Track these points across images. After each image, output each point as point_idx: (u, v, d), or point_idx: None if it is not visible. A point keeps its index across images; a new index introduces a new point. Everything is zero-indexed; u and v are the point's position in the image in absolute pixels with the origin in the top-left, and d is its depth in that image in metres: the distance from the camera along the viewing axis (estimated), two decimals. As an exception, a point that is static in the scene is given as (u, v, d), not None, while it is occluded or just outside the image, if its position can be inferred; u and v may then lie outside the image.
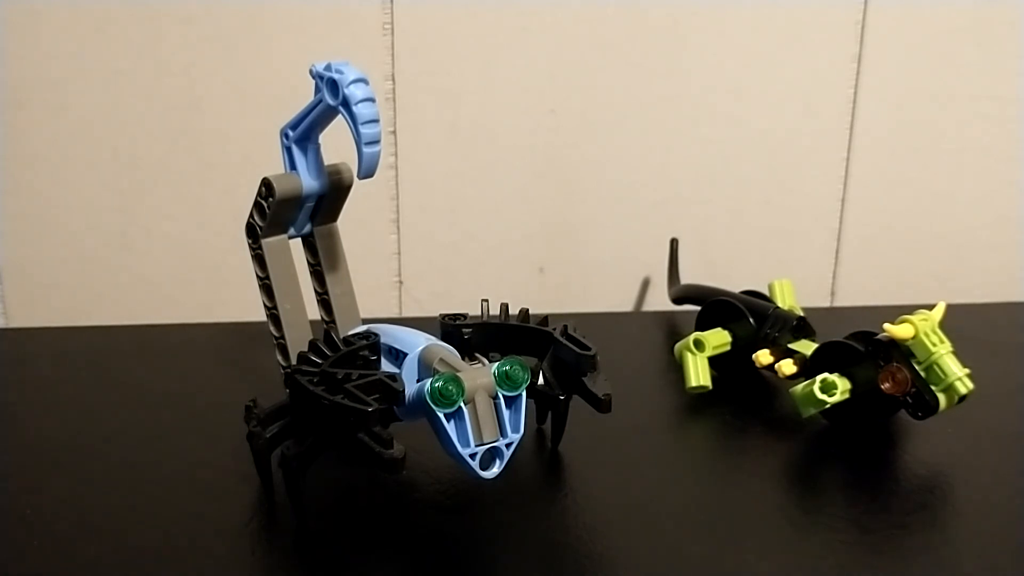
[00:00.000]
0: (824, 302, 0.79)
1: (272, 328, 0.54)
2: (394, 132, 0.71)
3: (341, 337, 0.49)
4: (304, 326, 0.54)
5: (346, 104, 0.48)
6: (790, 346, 0.57)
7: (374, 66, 0.69)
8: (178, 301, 0.73)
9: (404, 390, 0.43)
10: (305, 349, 0.48)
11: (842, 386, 0.53)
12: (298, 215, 0.54)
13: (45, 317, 0.72)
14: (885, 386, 0.52)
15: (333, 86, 0.49)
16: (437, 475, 0.49)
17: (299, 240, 0.55)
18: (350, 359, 0.48)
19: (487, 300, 0.52)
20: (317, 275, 0.56)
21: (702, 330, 0.60)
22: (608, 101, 0.72)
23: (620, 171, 0.74)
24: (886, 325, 0.52)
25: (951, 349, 0.51)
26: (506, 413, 0.42)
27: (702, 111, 0.73)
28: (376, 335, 0.49)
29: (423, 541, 0.45)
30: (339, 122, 0.50)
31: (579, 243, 0.75)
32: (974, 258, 0.78)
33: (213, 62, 0.68)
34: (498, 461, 0.42)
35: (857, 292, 0.78)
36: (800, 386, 0.54)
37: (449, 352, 0.46)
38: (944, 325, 0.52)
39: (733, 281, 0.67)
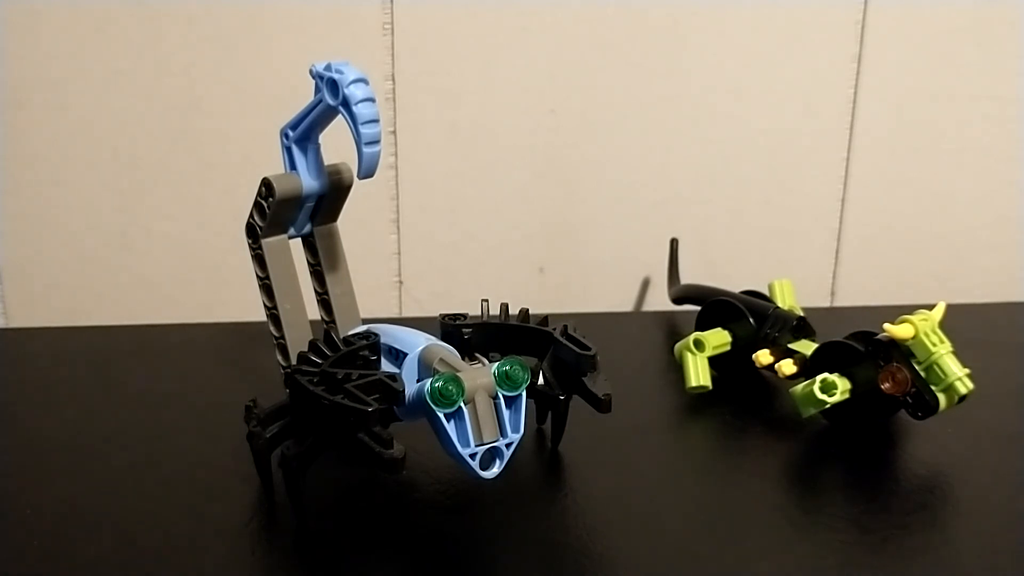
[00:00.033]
0: (824, 302, 0.79)
1: (272, 328, 0.54)
2: (394, 132, 0.71)
3: (341, 337, 0.49)
4: (304, 326, 0.54)
5: (346, 104, 0.48)
6: (790, 346, 0.57)
7: (374, 66, 0.69)
8: (178, 301, 0.73)
9: (404, 390, 0.43)
10: (305, 349, 0.48)
11: (842, 386, 0.53)
12: (298, 215, 0.54)
13: (45, 317, 0.72)
14: (885, 386, 0.52)
15: (333, 86, 0.49)
16: (437, 475, 0.49)
17: (299, 240, 0.55)
18: (350, 359, 0.48)
19: (487, 300, 0.52)
20: (317, 275, 0.56)
21: (702, 330, 0.60)
22: (608, 101, 0.72)
23: (620, 171, 0.74)
24: (886, 325, 0.52)
25: (951, 349, 0.51)
26: (506, 413, 0.42)
27: (702, 111, 0.73)
28: (376, 335, 0.49)
29: (423, 541, 0.45)
30: (339, 122, 0.50)
31: (579, 243, 0.75)
32: (974, 258, 0.78)
33: (213, 62, 0.68)
34: (498, 461, 0.42)
35: (857, 292, 0.78)
36: (800, 386, 0.54)
37: (449, 352, 0.46)
38: (944, 325, 0.52)
39: (733, 281, 0.67)
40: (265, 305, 0.54)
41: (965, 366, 0.51)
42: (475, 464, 0.42)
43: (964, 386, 0.51)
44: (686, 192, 0.75)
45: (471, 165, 0.72)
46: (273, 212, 0.52)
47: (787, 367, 0.56)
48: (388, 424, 0.43)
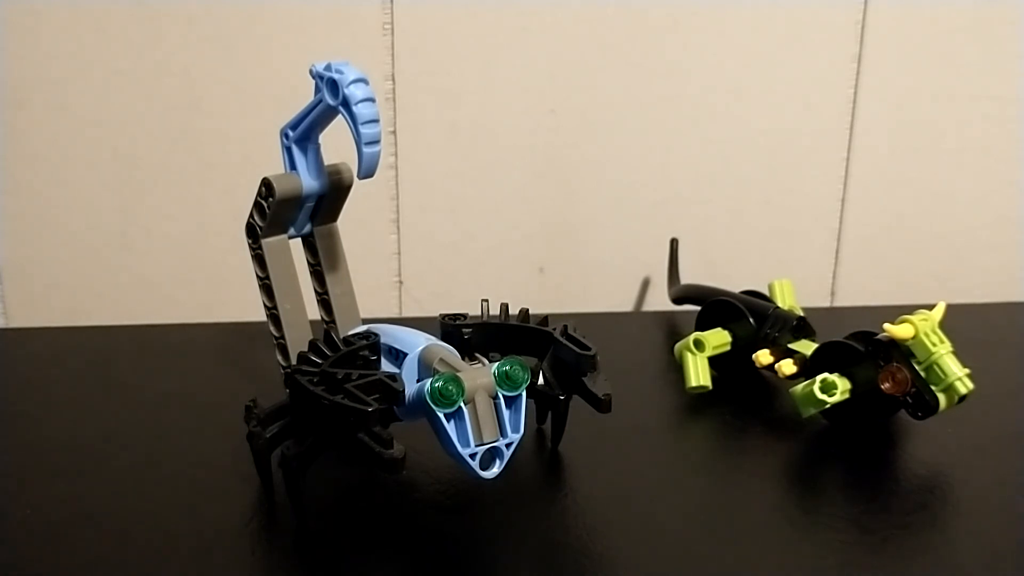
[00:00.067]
0: (824, 302, 0.79)
1: (272, 328, 0.54)
2: (394, 132, 0.71)
3: (341, 337, 0.49)
4: (304, 326, 0.54)
5: (346, 104, 0.48)
6: (790, 346, 0.57)
7: (374, 66, 0.69)
8: (178, 301, 0.73)
9: (404, 390, 0.43)
10: (305, 349, 0.48)
11: (842, 386, 0.53)
12: (298, 215, 0.54)
13: (45, 317, 0.72)
14: (885, 386, 0.52)
15: (333, 86, 0.49)
16: (437, 475, 0.49)
17: (299, 240, 0.55)
18: (350, 359, 0.48)
19: (487, 300, 0.52)
20: (317, 275, 0.56)
21: (702, 330, 0.60)
22: (608, 101, 0.72)
23: (620, 171, 0.74)
24: (886, 325, 0.52)
25: (951, 349, 0.51)
26: (506, 413, 0.42)
27: (702, 111, 0.73)
28: (376, 335, 0.49)
29: (423, 541, 0.45)
30: (339, 122, 0.50)
31: (579, 243, 0.75)
32: (974, 258, 0.78)
33: (213, 62, 0.68)
34: (498, 461, 0.42)
35: (857, 292, 0.78)
36: (800, 386, 0.54)
37: (449, 352, 0.46)
38: (944, 325, 0.52)
39: (733, 281, 0.67)
40: (265, 305, 0.54)
41: (965, 366, 0.51)
42: (475, 464, 0.42)
43: (964, 386, 0.51)
44: (686, 192, 0.75)
45: (471, 165, 0.72)
46: (273, 212, 0.52)
47: (787, 367, 0.56)
48: (388, 424, 0.43)
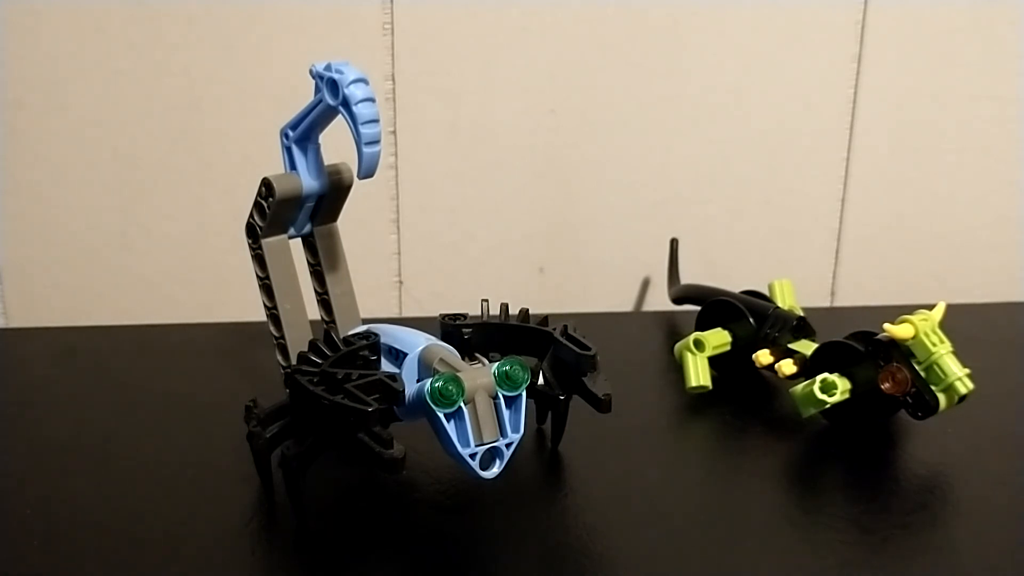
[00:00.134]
0: (824, 302, 0.79)
1: (272, 328, 0.54)
2: (394, 132, 0.71)
3: (341, 337, 0.49)
4: (304, 326, 0.54)
5: (346, 104, 0.48)
6: (790, 346, 0.57)
7: (374, 66, 0.69)
8: (178, 301, 0.73)
9: (404, 390, 0.43)
10: (305, 349, 0.48)
11: (842, 386, 0.53)
12: (298, 215, 0.54)
13: (45, 317, 0.72)
14: (885, 386, 0.52)
15: (333, 86, 0.49)
16: (437, 475, 0.49)
17: (299, 240, 0.55)
18: (350, 359, 0.48)
19: (487, 300, 0.52)
20: (317, 275, 0.56)
21: (702, 330, 0.60)
22: (608, 101, 0.72)
23: (620, 171, 0.74)
24: (886, 325, 0.52)
25: (951, 349, 0.51)
26: (506, 413, 0.42)
27: (702, 111, 0.73)
28: (376, 335, 0.49)
29: (423, 541, 0.45)
30: (339, 122, 0.50)
31: (579, 243, 0.75)
32: (974, 258, 0.78)
33: (213, 62, 0.68)
34: (498, 461, 0.42)
35: (857, 292, 0.78)
36: (800, 386, 0.54)
37: (449, 352, 0.46)
38: (944, 325, 0.52)
39: (733, 281, 0.67)
40: (265, 305, 0.54)
41: (965, 366, 0.51)
42: (475, 464, 0.42)
43: (964, 386, 0.51)
44: (686, 192, 0.75)
45: (471, 165, 0.72)
46: (273, 212, 0.52)
47: (787, 367, 0.56)
48: (388, 424, 0.43)
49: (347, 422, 0.41)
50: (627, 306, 0.77)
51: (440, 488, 0.48)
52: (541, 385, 0.49)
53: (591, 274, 0.76)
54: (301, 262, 0.55)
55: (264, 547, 0.44)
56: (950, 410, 0.52)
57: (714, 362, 0.59)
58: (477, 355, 0.48)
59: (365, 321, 0.56)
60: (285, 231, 0.54)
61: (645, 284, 0.77)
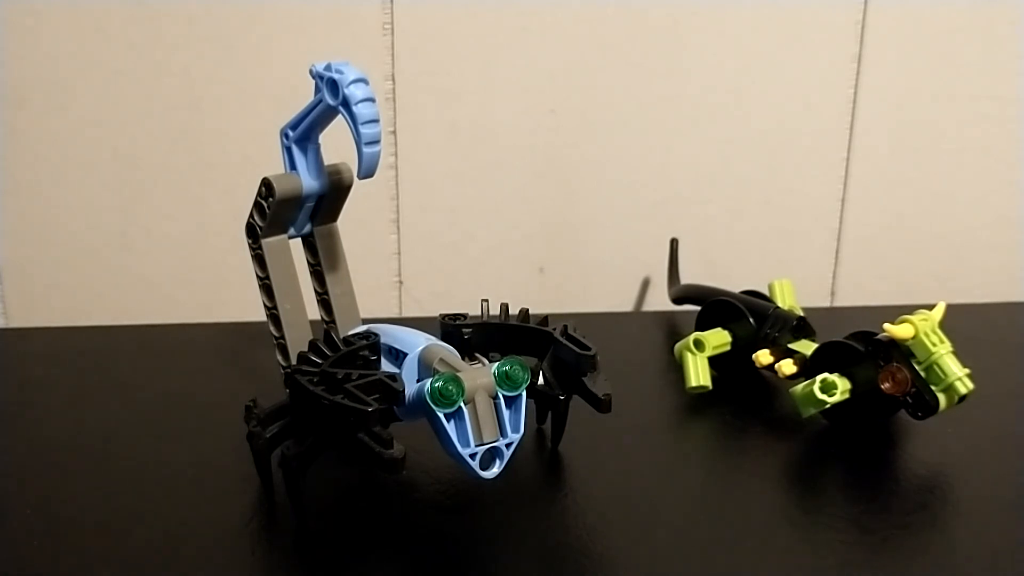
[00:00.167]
0: (824, 302, 0.79)
1: (272, 328, 0.54)
2: (394, 132, 0.71)
3: (341, 337, 0.49)
4: (304, 326, 0.54)
5: (346, 104, 0.48)
6: (790, 346, 0.57)
7: (374, 66, 0.69)
8: (178, 301, 0.73)
9: (404, 390, 0.43)
10: (305, 349, 0.48)
11: (842, 386, 0.53)
12: (298, 215, 0.54)
13: (45, 317, 0.72)
14: (885, 386, 0.52)
15: (333, 86, 0.49)
16: (437, 475, 0.49)
17: (299, 240, 0.55)
18: (350, 359, 0.48)
19: (487, 300, 0.52)
20: (317, 275, 0.56)
21: (702, 330, 0.60)
22: (608, 101, 0.72)
23: (620, 171, 0.74)
24: (886, 325, 0.52)
25: (951, 349, 0.51)
26: (506, 413, 0.42)
27: (702, 111, 0.73)
28: (376, 335, 0.49)
29: (423, 541, 0.45)
30: (339, 122, 0.50)
31: (579, 243, 0.75)
32: (974, 258, 0.78)
33: (213, 62, 0.68)
34: (498, 461, 0.42)
35: (857, 292, 0.78)
36: (800, 386, 0.54)
37: (449, 352, 0.46)
38: (944, 325, 0.52)
39: (733, 281, 0.67)
40: (265, 305, 0.54)
41: (965, 366, 0.51)
42: (475, 464, 0.42)
43: (964, 386, 0.51)
44: (686, 192, 0.75)
45: (471, 165, 0.72)
46: (273, 212, 0.52)
47: (787, 367, 0.56)
48: (388, 424, 0.43)
49: (347, 422, 0.41)
50: (627, 306, 0.77)
51: (440, 488, 0.48)
52: (541, 385, 0.49)
53: (591, 274, 0.76)
54: (301, 262, 0.55)
55: (264, 547, 0.44)
56: (950, 410, 0.52)
57: (714, 362, 0.59)
58: (477, 355, 0.48)
59: (365, 321, 0.56)
60: (285, 231, 0.54)
61: (645, 284, 0.77)
